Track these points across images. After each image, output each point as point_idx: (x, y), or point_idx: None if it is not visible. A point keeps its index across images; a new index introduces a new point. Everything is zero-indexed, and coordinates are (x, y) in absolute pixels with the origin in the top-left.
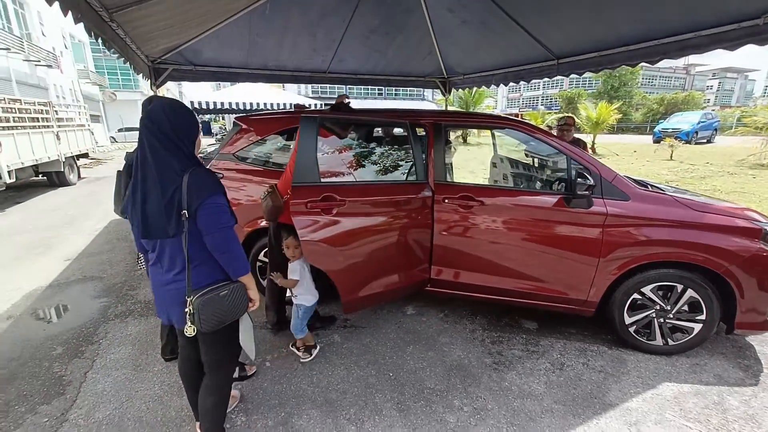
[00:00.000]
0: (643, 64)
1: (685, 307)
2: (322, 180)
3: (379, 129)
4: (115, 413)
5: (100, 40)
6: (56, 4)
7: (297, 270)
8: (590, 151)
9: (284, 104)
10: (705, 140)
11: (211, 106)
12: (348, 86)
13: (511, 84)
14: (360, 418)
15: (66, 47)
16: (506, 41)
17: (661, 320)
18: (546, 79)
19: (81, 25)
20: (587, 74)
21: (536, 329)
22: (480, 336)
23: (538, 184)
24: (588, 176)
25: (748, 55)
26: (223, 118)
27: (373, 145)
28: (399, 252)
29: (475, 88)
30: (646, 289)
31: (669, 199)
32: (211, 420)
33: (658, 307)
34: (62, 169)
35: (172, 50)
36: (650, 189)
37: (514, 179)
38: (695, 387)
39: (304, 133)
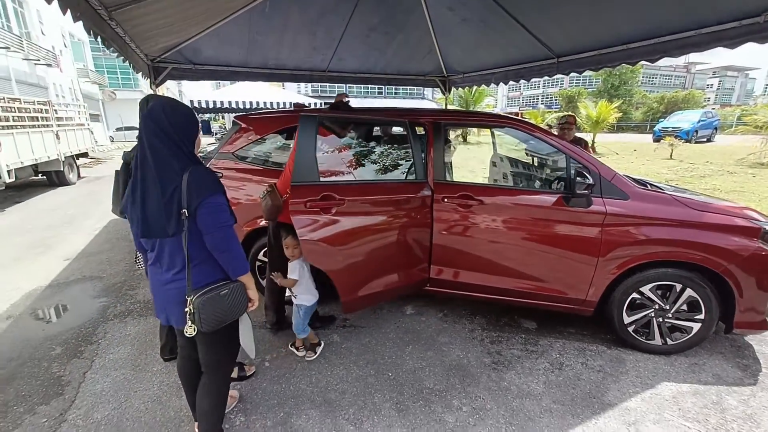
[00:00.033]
0: (644, 62)
1: (684, 307)
2: (322, 179)
3: (379, 128)
4: (114, 413)
5: (99, 39)
6: (55, 3)
7: (296, 269)
8: (591, 150)
9: (284, 103)
10: (705, 139)
11: (211, 105)
12: (348, 85)
13: (511, 83)
14: (359, 418)
15: (65, 46)
16: (506, 40)
17: (660, 320)
18: (546, 77)
19: (80, 23)
20: (587, 73)
21: (535, 329)
22: (479, 336)
23: (538, 183)
24: (587, 175)
25: (749, 53)
26: (222, 117)
27: (372, 144)
28: (398, 251)
29: (475, 87)
30: (645, 289)
31: (668, 198)
32: (209, 420)
33: (657, 307)
34: (62, 169)
35: (171, 49)
36: (650, 188)
37: (513, 178)
38: (694, 386)
39: (303, 132)
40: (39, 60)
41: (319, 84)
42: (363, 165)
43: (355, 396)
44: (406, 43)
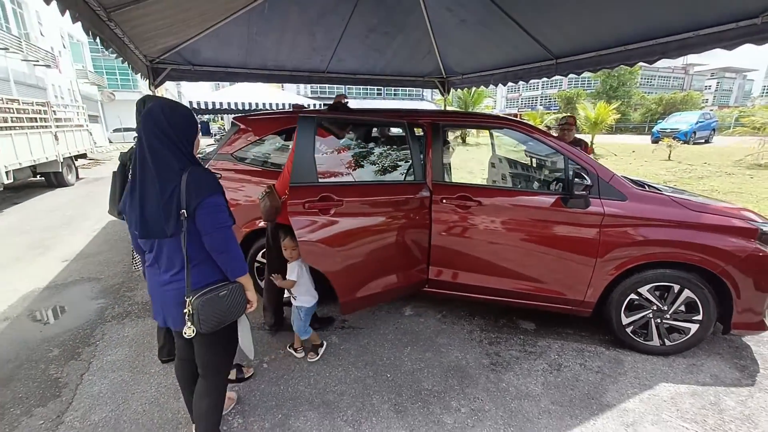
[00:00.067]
0: (642, 63)
1: (682, 308)
2: (320, 180)
3: (377, 129)
4: (112, 415)
5: (98, 40)
6: (54, 4)
7: (295, 270)
8: (591, 151)
9: (283, 104)
10: (703, 140)
11: (210, 107)
12: (347, 86)
13: (510, 84)
14: (357, 420)
15: (64, 47)
16: (505, 41)
17: (658, 320)
18: (544, 78)
19: (79, 24)
20: (586, 74)
21: (534, 330)
22: (478, 337)
23: (536, 185)
24: (585, 176)
25: (747, 55)
26: (222, 119)
27: (371, 145)
28: (397, 252)
29: (474, 88)
30: (643, 290)
31: (666, 199)
32: (206, 422)
33: (655, 308)
34: (60, 170)
35: (170, 50)
36: (647, 189)
37: (512, 179)
38: (692, 387)
39: (302, 133)
40: (38, 61)
41: (319, 85)
42: (362, 166)
43: (354, 397)
44: (405, 44)
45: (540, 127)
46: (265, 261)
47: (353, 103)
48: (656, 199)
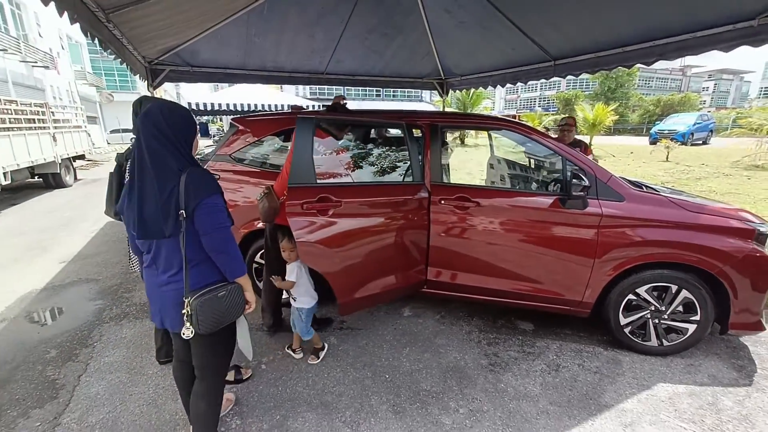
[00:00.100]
0: (640, 65)
1: (680, 308)
2: (318, 181)
3: (376, 130)
4: (109, 417)
5: (96, 41)
6: (52, 5)
7: (294, 271)
8: (591, 152)
9: (282, 105)
10: (701, 141)
11: (209, 108)
12: (346, 87)
13: (509, 85)
14: (356, 421)
15: (63, 48)
16: (503, 42)
17: (656, 321)
18: (543, 80)
19: (77, 25)
20: (584, 76)
21: (532, 330)
22: (476, 337)
23: (534, 185)
24: (583, 177)
25: (744, 56)
26: (220, 120)
27: (369, 146)
28: (395, 253)
29: (472, 90)
30: (641, 290)
31: (663, 199)
32: (204, 424)
33: (653, 308)
34: (58, 171)
35: (169, 51)
36: (645, 190)
37: (510, 180)
38: (690, 387)
39: (300, 134)
40: (36, 62)
41: (318, 86)
42: (360, 167)
43: (352, 398)
44: (404, 46)
45: (538, 128)
46: (263, 262)
47: (352, 105)
48: (654, 199)
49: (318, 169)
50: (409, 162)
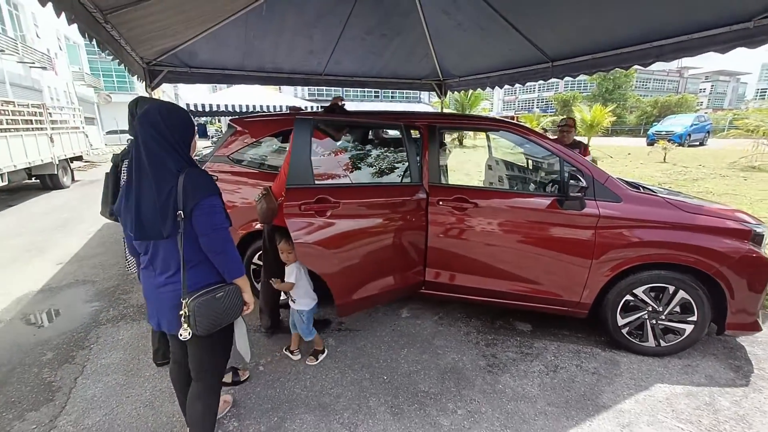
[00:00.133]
0: (637, 67)
1: (677, 309)
2: (316, 182)
3: (373, 131)
4: (105, 419)
5: (94, 42)
6: (49, 5)
7: (293, 273)
8: (591, 153)
9: (280, 106)
10: (698, 143)
11: (207, 109)
12: (344, 88)
13: (507, 87)
14: (354, 422)
15: (61, 49)
16: (501, 44)
17: (654, 321)
18: (541, 81)
19: (75, 26)
20: (582, 77)
21: (530, 331)
22: (474, 338)
23: (532, 186)
24: (580, 178)
25: (740, 58)
26: (219, 121)
27: (367, 147)
28: (393, 254)
29: (470, 91)
30: (639, 291)
31: (660, 200)
32: (201, 427)
33: (650, 309)
34: (56, 172)
35: (167, 52)
36: (642, 191)
37: (508, 181)
38: (687, 388)
39: (298, 135)
40: (34, 63)
41: (316, 87)
42: (358, 168)
43: (350, 400)
44: (403, 47)
45: (536, 129)
46: (261, 263)
47: (350, 106)
48: (651, 200)
49: (316, 170)
50: (407, 163)
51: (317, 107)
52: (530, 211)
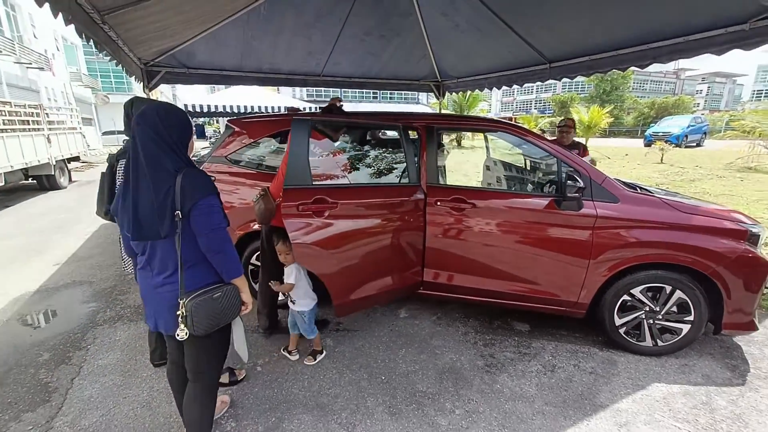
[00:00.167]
0: (634, 68)
1: (674, 308)
2: (314, 182)
3: (371, 131)
4: (102, 420)
5: (92, 43)
6: (47, 6)
7: (293, 274)
8: (590, 154)
9: (278, 107)
10: (695, 144)
11: (205, 109)
12: (342, 89)
13: (505, 88)
14: (351, 422)
15: (58, 49)
16: (499, 45)
17: (651, 321)
18: (538, 82)
19: (73, 27)
20: (579, 78)
21: (528, 331)
22: (472, 339)
23: (530, 187)
24: (578, 178)
25: (737, 60)
26: (217, 121)
27: (365, 147)
28: (391, 255)
29: (469, 92)
30: (636, 291)
31: (657, 201)
32: (198, 427)
33: (647, 308)
34: (53, 173)
35: (165, 53)
36: (639, 191)
37: (506, 182)
38: (684, 387)
39: (296, 136)
40: (31, 63)
41: (315, 88)
42: (356, 168)
43: (348, 400)
44: (401, 48)
45: (534, 130)
46: (259, 264)
47: (348, 107)
48: (648, 201)
49: (314, 170)
50: (405, 163)
51: (315, 108)
52: (528, 211)
